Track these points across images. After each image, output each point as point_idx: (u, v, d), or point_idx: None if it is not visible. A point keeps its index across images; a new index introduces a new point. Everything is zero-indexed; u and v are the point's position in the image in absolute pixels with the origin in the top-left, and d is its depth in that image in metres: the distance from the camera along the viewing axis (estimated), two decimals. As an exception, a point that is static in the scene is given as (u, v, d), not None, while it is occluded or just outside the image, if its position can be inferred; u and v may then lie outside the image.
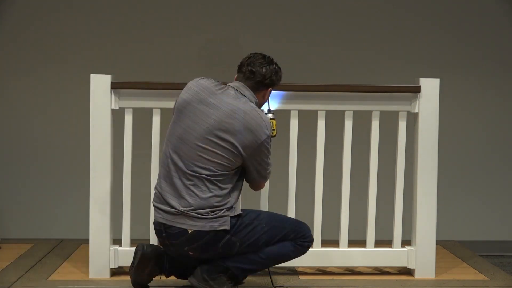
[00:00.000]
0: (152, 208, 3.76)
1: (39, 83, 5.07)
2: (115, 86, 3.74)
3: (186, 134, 3.30)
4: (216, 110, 3.29)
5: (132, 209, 3.83)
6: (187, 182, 3.29)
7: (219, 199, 3.29)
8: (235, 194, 3.36)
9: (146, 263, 3.42)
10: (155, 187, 3.42)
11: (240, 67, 3.42)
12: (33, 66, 5.06)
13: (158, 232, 3.39)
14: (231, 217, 3.31)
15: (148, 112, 3.82)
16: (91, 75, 3.74)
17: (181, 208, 3.27)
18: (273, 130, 3.59)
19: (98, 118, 3.73)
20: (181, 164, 3.30)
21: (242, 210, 3.40)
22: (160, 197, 3.36)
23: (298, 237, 3.42)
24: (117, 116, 3.82)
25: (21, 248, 4.38)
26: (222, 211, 3.30)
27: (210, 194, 3.28)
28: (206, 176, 3.28)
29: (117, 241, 3.84)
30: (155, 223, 3.40)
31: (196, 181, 3.28)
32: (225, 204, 3.31)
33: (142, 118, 3.95)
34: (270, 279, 3.79)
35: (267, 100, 3.50)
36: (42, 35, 5.06)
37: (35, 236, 4.84)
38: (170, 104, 3.73)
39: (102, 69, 3.98)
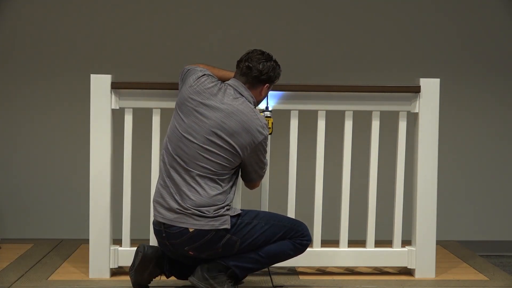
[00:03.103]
0: (152, 207, 3.77)
1: (39, 83, 5.07)
2: (115, 86, 3.74)
3: (187, 134, 3.32)
4: (215, 111, 3.31)
5: (132, 209, 3.83)
6: (189, 180, 3.30)
7: (220, 197, 3.31)
8: (233, 192, 3.40)
9: (147, 264, 3.41)
10: (157, 184, 3.43)
11: (238, 63, 3.45)
12: (33, 66, 5.06)
13: (157, 232, 3.39)
14: (231, 217, 3.33)
15: (148, 112, 3.81)
16: (91, 75, 3.74)
17: (182, 205, 3.28)
18: (269, 128, 3.60)
19: (98, 118, 3.73)
20: (182, 162, 3.31)
21: (241, 209, 3.41)
22: (160, 195, 3.37)
23: (297, 236, 3.43)
24: (117, 116, 3.82)
25: (21, 248, 4.38)
26: (223, 210, 3.31)
27: (212, 193, 3.29)
28: (207, 175, 3.29)
29: (117, 241, 3.84)
30: (154, 223, 3.40)
31: (197, 179, 3.29)
32: (225, 202, 3.33)
33: (142, 118, 3.95)
34: (270, 279, 3.79)
35: (265, 97, 3.51)
36: (42, 35, 5.06)
37: (35, 236, 4.84)
38: (170, 104, 3.73)
39: (102, 69, 3.98)
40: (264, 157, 3.43)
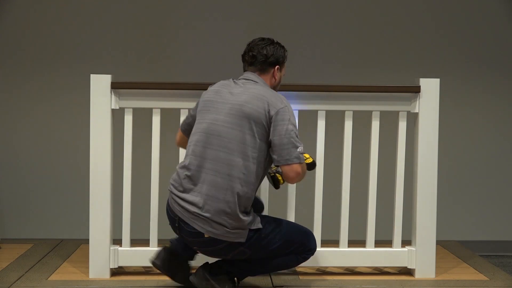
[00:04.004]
0: (152, 207, 3.77)
1: (39, 83, 5.07)
2: (115, 86, 3.74)
3: (212, 125, 3.27)
4: (231, 96, 3.30)
5: (132, 209, 3.83)
6: (212, 183, 3.22)
7: (242, 201, 3.23)
8: (252, 195, 3.29)
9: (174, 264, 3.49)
10: (182, 171, 3.29)
11: (243, 56, 3.45)
12: (33, 66, 5.06)
13: (171, 220, 3.35)
14: (250, 230, 3.28)
15: (148, 112, 3.81)
16: (91, 75, 3.74)
17: (201, 207, 3.22)
18: (279, 180, 3.37)
19: (98, 118, 3.73)
20: (208, 160, 3.24)
21: (261, 219, 3.34)
22: (180, 186, 3.28)
23: (304, 250, 3.43)
24: (117, 116, 3.82)
25: (21, 248, 4.38)
26: (243, 223, 3.25)
27: (230, 195, 3.21)
28: (227, 175, 3.22)
29: (117, 241, 3.84)
30: (169, 210, 3.34)
31: (221, 182, 3.22)
32: (245, 208, 3.26)
33: (142, 118, 3.95)
34: (270, 279, 3.79)
35: (279, 80, 3.46)
36: (42, 35, 5.06)
37: (35, 236, 4.85)
38: (170, 104, 3.74)
39: (102, 69, 3.98)
40: (294, 132, 3.23)
